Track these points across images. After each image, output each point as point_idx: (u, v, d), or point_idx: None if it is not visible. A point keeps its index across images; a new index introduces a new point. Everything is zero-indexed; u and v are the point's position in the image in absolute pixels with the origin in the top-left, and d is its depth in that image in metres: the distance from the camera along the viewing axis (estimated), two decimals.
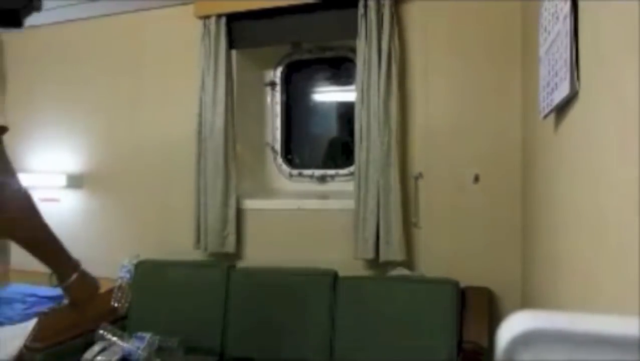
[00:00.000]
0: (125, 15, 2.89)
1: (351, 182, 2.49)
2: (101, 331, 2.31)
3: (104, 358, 2.20)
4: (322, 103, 3.00)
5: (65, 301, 1.48)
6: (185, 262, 2.58)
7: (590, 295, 0.96)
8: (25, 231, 1.33)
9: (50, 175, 3.04)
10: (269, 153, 2.89)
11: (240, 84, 2.68)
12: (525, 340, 0.32)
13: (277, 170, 2.88)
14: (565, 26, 1.03)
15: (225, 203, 2.55)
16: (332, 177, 2.76)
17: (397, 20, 2.31)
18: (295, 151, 2.92)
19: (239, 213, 2.61)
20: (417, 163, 2.37)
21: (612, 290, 0.82)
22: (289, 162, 2.89)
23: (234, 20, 2.59)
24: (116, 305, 1.82)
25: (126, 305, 1.95)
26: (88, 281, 1.42)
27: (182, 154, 2.70)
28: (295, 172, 2.85)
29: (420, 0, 2.35)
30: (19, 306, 2.70)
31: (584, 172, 1.01)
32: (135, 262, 2.52)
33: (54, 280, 1.42)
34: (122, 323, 2.41)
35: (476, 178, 2.27)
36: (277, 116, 2.88)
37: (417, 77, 2.37)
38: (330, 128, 2.96)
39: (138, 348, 2.16)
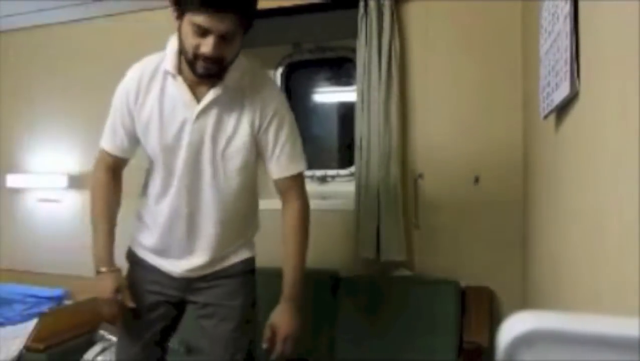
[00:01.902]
0: (126, 15, 2.89)
1: (352, 183, 2.49)
2: (101, 332, 2.32)
3: (104, 358, 2.20)
4: (323, 104, 3.00)
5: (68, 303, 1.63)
6: None
7: (591, 295, 0.96)
8: None
9: (51, 175, 3.04)
10: None
11: None
12: (526, 340, 0.32)
13: None
14: (565, 26, 1.03)
15: None
16: (333, 177, 2.76)
17: (397, 20, 2.31)
18: None
19: None
20: (418, 164, 2.36)
21: (613, 290, 0.82)
22: None
23: None
24: None
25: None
26: None
27: None
28: None
29: (420, 0, 2.36)
30: (19, 307, 2.70)
31: (585, 172, 1.01)
32: None
33: None
34: None
35: (476, 180, 2.27)
36: None
37: (417, 77, 2.37)
38: (331, 129, 2.96)
39: None
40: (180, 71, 1.40)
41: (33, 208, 3.16)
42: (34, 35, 3.13)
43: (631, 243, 0.70)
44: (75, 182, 3.00)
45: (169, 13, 2.96)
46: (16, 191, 3.17)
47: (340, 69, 2.84)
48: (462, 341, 1.99)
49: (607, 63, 0.84)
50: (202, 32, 1.26)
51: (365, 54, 2.30)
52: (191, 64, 1.33)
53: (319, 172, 2.79)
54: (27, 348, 2.18)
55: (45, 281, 2.86)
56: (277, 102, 1.46)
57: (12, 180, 3.10)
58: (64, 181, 2.98)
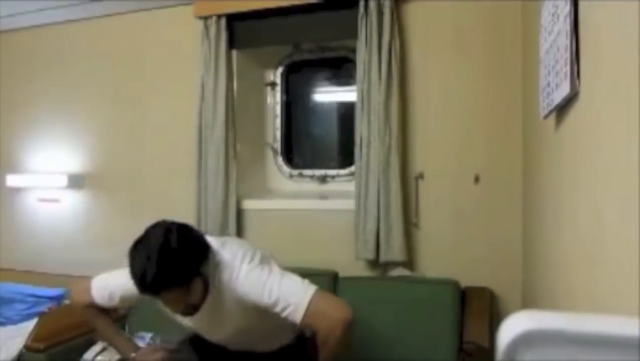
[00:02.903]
0: (125, 15, 2.89)
1: (352, 182, 2.49)
2: None
3: (104, 358, 2.20)
4: (323, 104, 3.00)
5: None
6: None
7: (591, 295, 0.96)
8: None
9: (51, 175, 3.04)
10: (269, 153, 2.89)
11: (240, 83, 2.68)
12: (526, 340, 0.32)
13: (278, 171, 2.88)
14: (565, 26, 1.03)
15: (225, 204, 2.55)
16: (333, 177, 2.76)
17: (398, 20, 2.31)
18: (295, 151, 2.92)
19: (239, 213, 2.61)
20: (418, 164, 2.36)
21: (612, 290, 0.82)
22: (290, 162, 2.89)
23: (234, 20, 2.59)
24: None
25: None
26: None
27: (183, 154, 2.70)
28: (295, 172, 2.85)
29: (420, 1, 2.36)
30: (19, 307, 2.70)
31: (585, 171, 1.01)
32: None
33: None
34: (122, 323, 2.41)
35: (476, 179, 2.27)
36: (278, 116, 2.88)
37: (417, 77, 2.37)
38: (331, 129, 2.96)
39: None
40: None
41: (33, 208, 3.16)
42: (34, 35, 3.13)
43: (631, 242, 0.70)
44: (75, 181, 2.99)
45: (168, 13, 2.98)
46: (16, 191, 3.17)
47: (340, 69, 2.84)
48: (462, 342, 1.99)
49: (607, 63, 0.84)
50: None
51: (365, 54, 2.30)
52: None
53: (319, 172, 2.79)
54: (27, 348, 2.18)
55: (45, 281, 2.86)
56: (259, 286, 1.40)
57: (12, 180, 3.10)
58: (63, 181, 2.97)
